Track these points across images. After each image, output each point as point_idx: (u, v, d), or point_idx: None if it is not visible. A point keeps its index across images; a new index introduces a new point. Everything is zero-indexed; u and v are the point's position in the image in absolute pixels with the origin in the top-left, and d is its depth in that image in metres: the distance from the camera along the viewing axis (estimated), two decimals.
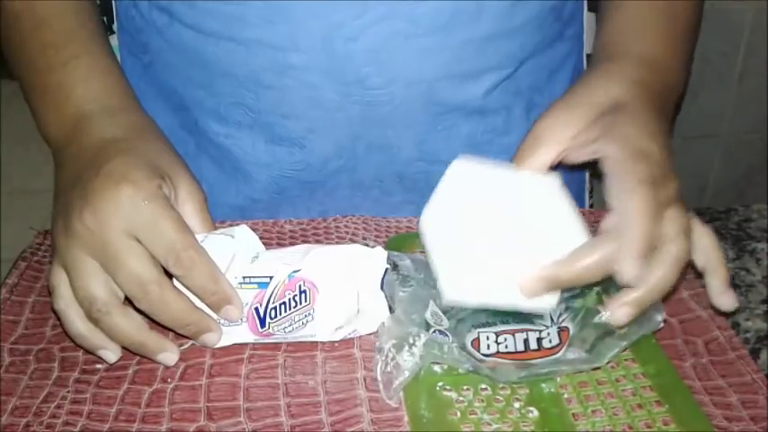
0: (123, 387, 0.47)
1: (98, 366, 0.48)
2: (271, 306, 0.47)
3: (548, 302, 0.47)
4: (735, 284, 0.61)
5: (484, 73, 0.60)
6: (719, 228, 0.73)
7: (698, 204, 1.08)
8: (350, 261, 0.48)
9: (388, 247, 0.55)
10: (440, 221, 0.47)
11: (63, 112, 0.53)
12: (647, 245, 0.44)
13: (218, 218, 0.56)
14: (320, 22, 0.55)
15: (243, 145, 0.62)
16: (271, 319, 0.47)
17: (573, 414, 0.44)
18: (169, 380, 0.47)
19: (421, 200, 0.64)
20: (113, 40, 0.67)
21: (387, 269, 0.49)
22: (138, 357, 0.48)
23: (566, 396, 0.45)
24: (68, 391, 0.46)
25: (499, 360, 0.46)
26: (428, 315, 0.48)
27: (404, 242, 0.56)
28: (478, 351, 0.47)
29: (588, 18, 0.69)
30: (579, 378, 0.46)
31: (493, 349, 0.47)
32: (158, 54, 0.62)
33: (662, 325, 0.47)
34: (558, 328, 0.48)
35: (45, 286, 0.55)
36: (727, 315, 0.51)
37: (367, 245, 0.52)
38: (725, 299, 0.48)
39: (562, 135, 0.49)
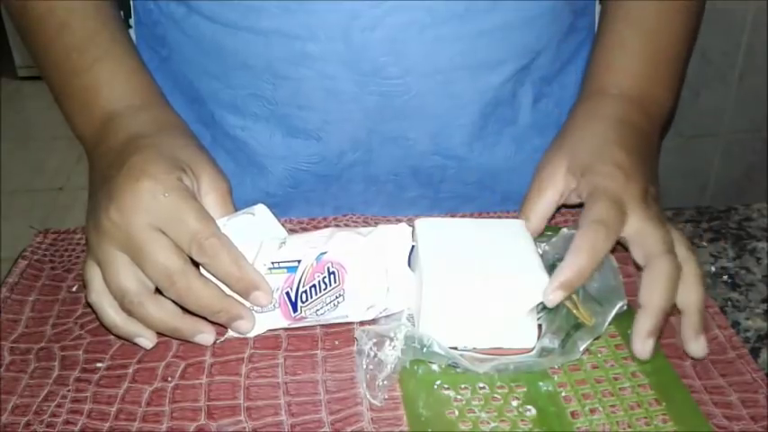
0: (124, 386, 0.47)
1: (98, 365, 0.48)
2: (301, 290, 0.48)
3: (530, 340, 0.47)
4: (735, 284, 0.61)
5: (500, 64, 0.60)
6: (719, 227, 0.73)
7: (698, 203, 1.08)
8: (376, 240, 0.48)
9: None
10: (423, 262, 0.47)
11: (90, 114, 0.55)
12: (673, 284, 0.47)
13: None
14: (337, 12, 0.56)
15: (259, 137, 0.62)
16: (302, 302, 0.48)
17: (571, 412, 0.44)
18: (169, 379, 0.47)
19: (435, 194, 0.65)
20: (130, 34, 0.67)
21: (413, 246, 0.49)
22: (138, 356, 0.49)
23: (563, 394, 0.45)
24: (69, 390, 0.46)
25: (475, 355, 0.47)
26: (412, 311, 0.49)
27: None
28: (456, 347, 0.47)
29: (599, 9, 0.68)
30: (577, 376, 0.47)
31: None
32: (175, 47, 0.62)
33: (625, 308, 0.47)
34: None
35: (45, 285, 0.55)
36: (726, 314, 0.51)
37: None
38: (693, 346, 0.48)
39: (556, 182, 0.53)
